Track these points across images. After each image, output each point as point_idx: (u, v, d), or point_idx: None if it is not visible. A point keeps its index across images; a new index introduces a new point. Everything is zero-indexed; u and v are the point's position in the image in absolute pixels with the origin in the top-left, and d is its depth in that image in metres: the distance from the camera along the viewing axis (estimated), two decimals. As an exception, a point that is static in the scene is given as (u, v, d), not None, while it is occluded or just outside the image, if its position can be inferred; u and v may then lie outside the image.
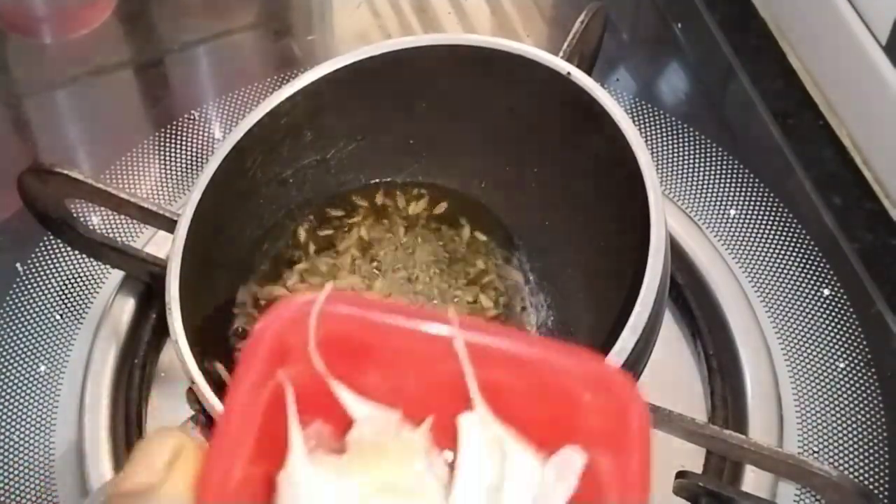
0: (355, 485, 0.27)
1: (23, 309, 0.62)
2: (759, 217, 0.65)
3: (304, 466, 0.27)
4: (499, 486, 0.28)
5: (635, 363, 0.46)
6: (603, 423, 0.28)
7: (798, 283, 0.63)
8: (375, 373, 0.29)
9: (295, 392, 0.28)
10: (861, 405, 0.59)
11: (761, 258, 0.64)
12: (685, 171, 0.67)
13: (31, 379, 0.60)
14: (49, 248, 0.64)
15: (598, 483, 0.28)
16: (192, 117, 0.70)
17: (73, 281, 0.63)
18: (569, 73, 0.52)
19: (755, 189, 0.66)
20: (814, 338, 0.61)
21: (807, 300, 0.62)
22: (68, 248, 0.63)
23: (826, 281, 0.63)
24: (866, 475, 0.56)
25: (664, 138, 0.69)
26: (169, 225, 0.53)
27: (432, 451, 0.29)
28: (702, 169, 0.67)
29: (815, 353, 0.60)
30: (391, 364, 0.29)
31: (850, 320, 0.61)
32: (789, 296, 0.62)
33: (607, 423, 0.28)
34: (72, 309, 0.62)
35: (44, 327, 0.62)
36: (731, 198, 0.66)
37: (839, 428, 0.58)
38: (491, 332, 0.28)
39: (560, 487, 0.28)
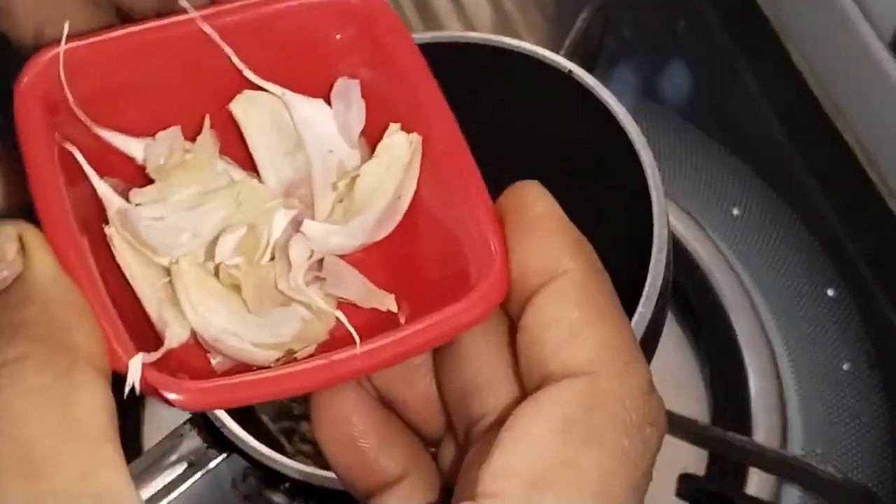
0: (176, 203, 0.28)
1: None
2: (763, 217, 0.65)
3: (126, 206, 0.27)
4: (298, 144, 0.29)
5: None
6: (361, 48, 0.29)
7: (802, 284, 0.62)
8: (141, 105, 0.29)
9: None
10: (865, 407, 0.58)
11: (765, 258, 0.63)
12: (688, 169, 0.67)
13: (27, 380, 0.60)
14: (46, 247, 0.64)
15: (382, 98, 0.29)
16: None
17: (70, 281, 0.63)
18: (570, 72, 0.51)
19: (758, 188, 0.66)
20: (818, 339, 0.61)
21: (811, 301, 0.62)
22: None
23: (830, 281, 0.62)
24: (871, 477, 0.56)
25: (666, 137, 0.68)
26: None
27: (221, 152, 0.29)
28: (704, 168, 0.67)
29: (819, 355, 0.60)
30: (153, 89, 0.29)
31: (855, 321, 0.61)
32: (793, 296, 0.62)
33: (365, 48, 0.29)
34: (69, 309, 0.62)
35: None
36: (734, 197, 0.66)
37: (843, 430, 0.57)
38: (232, 8, 0.28)
39: (353, 113, 0.29)
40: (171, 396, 0.24)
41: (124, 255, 0.27)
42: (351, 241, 0.28)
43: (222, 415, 0.46)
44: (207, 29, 0.28)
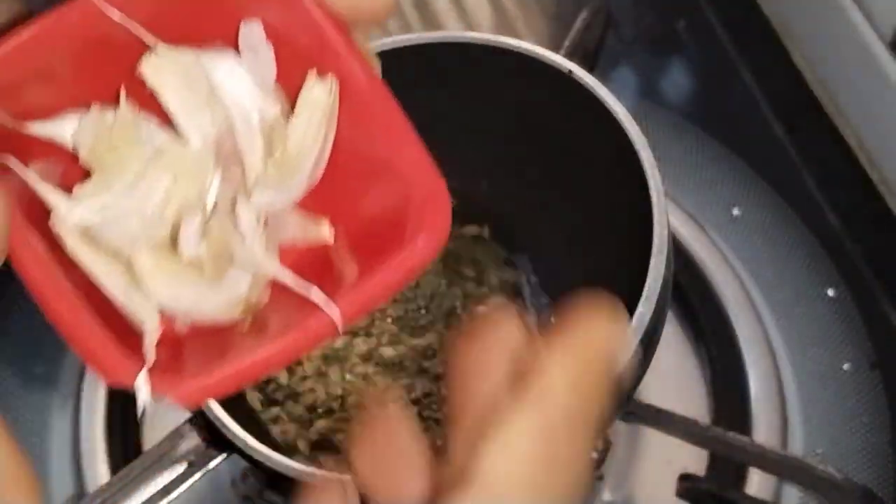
0: (120, 189, 0.28)
1: (20, 309, 0.62)
2: (763, 217, 0.65)
3: (71, 203, 0.28)
4: (214, 96, 0.30)
5: (638, 364, 0.46)
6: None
7: (802, 284, 0.62)
8: (56, 93, 0.29)
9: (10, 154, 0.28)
10: (866, 407, 0.58)
11: (765, 258, 0.63)
12: (688, 170, 0.67)
13: (27, 380, 0.60)
14: (46, 247, 0.64)
15: (291, 42, 0.29)
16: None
17: (69, 281, 0.63)
18: (570, 72, 0.51)
19: (759, 188, 0.66)
20: (818, 339, 0.60)
21: (811, 301, 0.62)
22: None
23: (830, 281, 0.62)
24: (871, 477, 0.56)
25: (667, 137, 0.68)
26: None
27: (143, 119, 0.30)
28: (704, 168, 0.67)
29: (819, 355, 0.60)
30: (63, 76, 0.29)
31: (855, 321, 0.61)
32: (793, 296, 0.62)
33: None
34: (68, 309, 0.62)
35: (41, 328, 0.61)
36: (734, 197, 0.66)
37: (844, 430, 0.57)
38: None
39: (261, 58, 0.30)
40: (175, 398, 0.25)
41: (78, 250, 0.28)
42: (292, 198, 0.30)
43: (222, 415, 0.46)
44: (111, 12, 0.28)
